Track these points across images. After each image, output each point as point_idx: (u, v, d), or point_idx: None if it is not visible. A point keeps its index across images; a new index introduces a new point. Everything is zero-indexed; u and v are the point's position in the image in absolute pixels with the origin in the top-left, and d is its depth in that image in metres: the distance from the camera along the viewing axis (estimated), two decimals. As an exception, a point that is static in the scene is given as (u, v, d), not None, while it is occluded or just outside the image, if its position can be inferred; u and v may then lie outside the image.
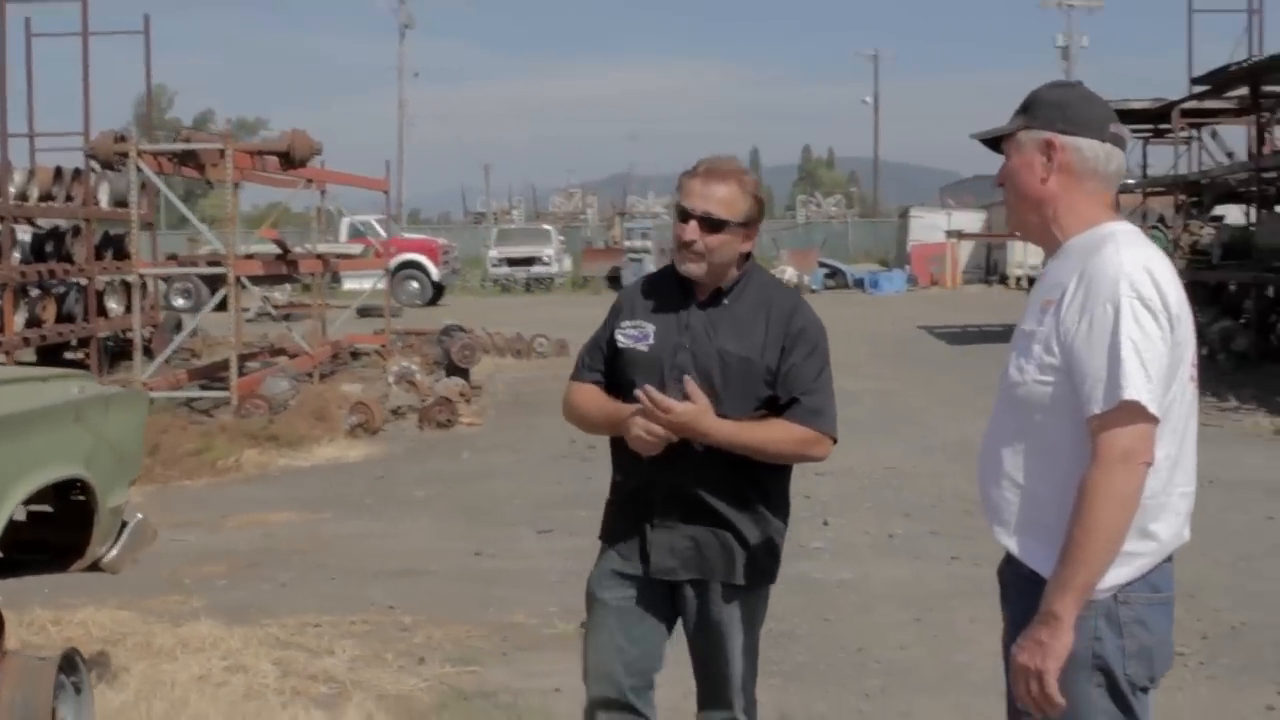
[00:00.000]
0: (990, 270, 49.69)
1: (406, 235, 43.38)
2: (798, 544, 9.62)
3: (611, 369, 4.37)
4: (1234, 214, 26.30)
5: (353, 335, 22.05)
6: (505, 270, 47.49)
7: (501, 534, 10.27)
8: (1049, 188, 3.29)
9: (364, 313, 23.78)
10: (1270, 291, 20.29)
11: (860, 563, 9.25)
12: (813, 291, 45.21)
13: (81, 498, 5.85)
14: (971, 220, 52.30)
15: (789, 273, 47.85)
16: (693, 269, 4.21)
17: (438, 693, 6.64)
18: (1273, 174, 20.72)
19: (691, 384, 4.04)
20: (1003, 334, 26.70)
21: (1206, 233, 23.76)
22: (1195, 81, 21.52)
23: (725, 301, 4.27)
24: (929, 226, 51.88)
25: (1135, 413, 3.03)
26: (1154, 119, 25.27)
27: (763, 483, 4.27)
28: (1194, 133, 24.90)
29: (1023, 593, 3.27)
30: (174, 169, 16.14)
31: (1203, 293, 22.48)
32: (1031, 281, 35.05)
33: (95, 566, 6.09)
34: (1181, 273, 19.73)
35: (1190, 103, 22.73)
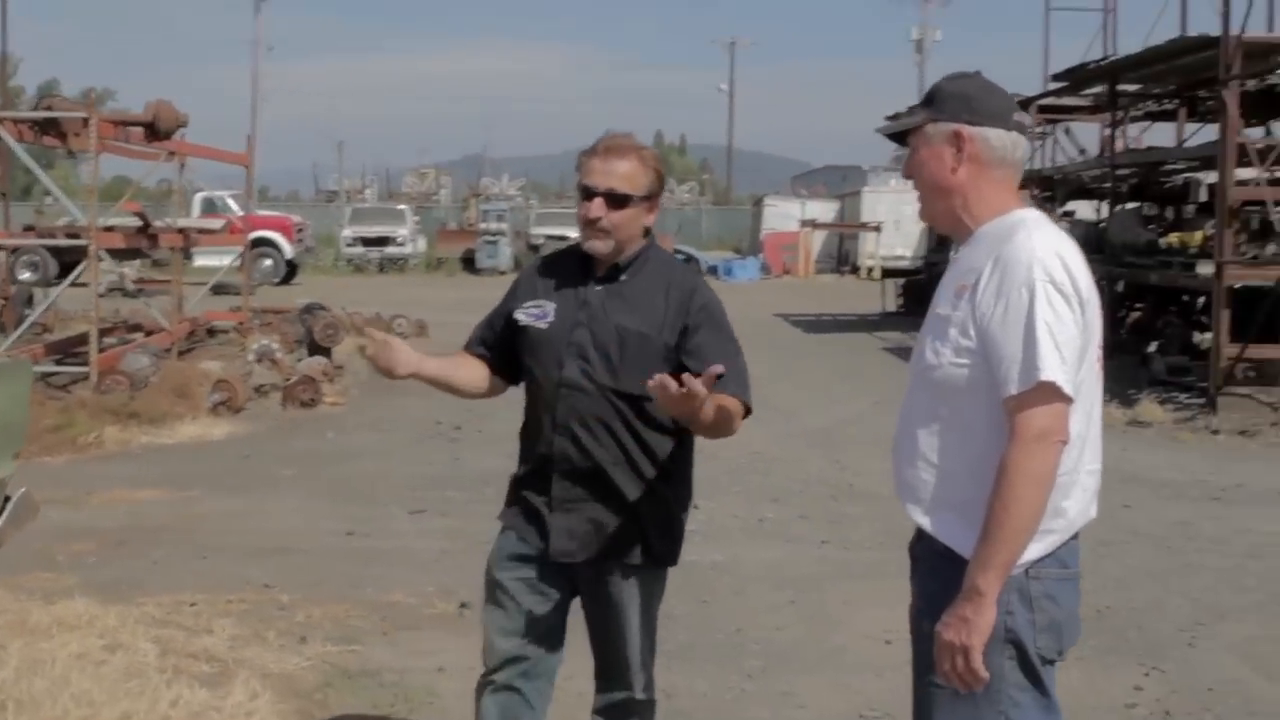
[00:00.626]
0: (842, 260, 50.32)
1: (260, 212, 42.69)
2: (669, 527, 9.76)
3: (510, 347, 4.39)
4: (1083, 209, 26.97)
5: (210, 312, 21.71)
6: (359, 250, 47.04)
7: (373, 514, 10.25)
8: (959, 178, 3.38)
9: (217, 290, 23.38)
10: (1120, 286, 20.83)
11: (732, 545, 9.38)
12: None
13: (-36, 471, 5.74)
14: (825, 210, 52.91)
15: (644, 257, 48.03)
16: (598, 246, 4.22)
17: (321, 671, 6.62)
18: (1125, 171, 21.27)
19: (696, 381, 3.79)
20: (856, 323, 27.27)
21: (1060, 227, 24.27)
22: (1055, 78, 21.95)
23: (623, 278, 4.28)
24: (783, 215, 52.40)
25: (1050, 393, 3.12)
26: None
27: (663, 463, 4.28)
28: (1050, 128, 25.47)
29: (935, 569, 3.36)
30: (34, 137, 15.73)
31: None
32: (885, 273, 35.71)
33: (-25, 542, 5.99)
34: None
35: (1048, 99, 23.26)
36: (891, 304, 29.19)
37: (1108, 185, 22.17)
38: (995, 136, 3.36)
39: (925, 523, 3.39)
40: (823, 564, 8.95)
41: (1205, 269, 15.57)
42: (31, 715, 5.67)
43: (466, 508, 10.04)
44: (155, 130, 15.69)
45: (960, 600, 3.18)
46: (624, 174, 4.19)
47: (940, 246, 30.11)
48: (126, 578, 8.26)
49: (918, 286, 29.69)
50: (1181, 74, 19.20)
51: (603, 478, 4.23)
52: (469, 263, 46.85)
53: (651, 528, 4.28)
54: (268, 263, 38.98)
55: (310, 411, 15.01)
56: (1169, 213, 22.33)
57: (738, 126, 79.37)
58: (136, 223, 18.41)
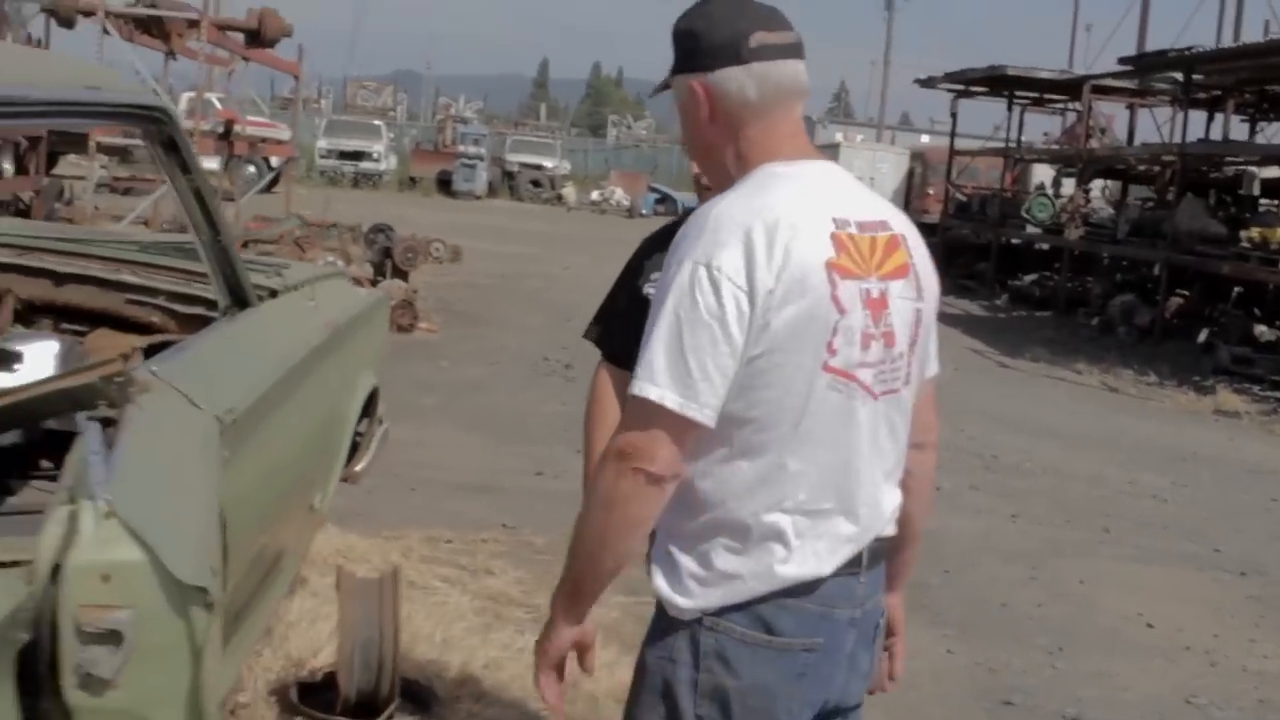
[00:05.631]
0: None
1: (251, 118, 41.84)
2: (854, 490, 9.79)
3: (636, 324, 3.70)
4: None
5: (251, 222, 21.34)
6: (333, 162, 46.39)
7: (545, 453, 10.17)
8: (715, 135, 2.71)
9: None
10: (1156, 269, 21.10)
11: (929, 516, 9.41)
12: (643, 215, 45.38)
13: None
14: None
15: (618, 194, 47.95)
16: None
17: (636, 621, 6.59)
18: (1170, 158, 21.53)
19: None
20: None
21: (1099, 206, 24.55)
22: (1123, 61, 22.11)
23: None
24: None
25: (647, 410, 2.46)
26: (1056, 89, 26.14)
27: None
28: (1098, 108, 25.75)
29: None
30: (129, 34, 15.36)
31: (1101, 268, 23.39)
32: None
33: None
34: (1078, 242, 20.19)
35: (1105, 80, 23.47)
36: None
37: (1142, 169, 22.42)
38: (730, 79, 2.64)
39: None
40: (1028, 539, 9.06)
41: (1291, 266, 15.83)
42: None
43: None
44: (260, 37, 15.37)
45: None
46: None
47: (960, 213, 30.21)
48: (355, 509, 8.13)
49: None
50: (1258, 71, 19.46)
51: None
52: (445, 184, 46.35)
53: None
54: (251, 170, 38.23)
55: (408, 337, 14.79)
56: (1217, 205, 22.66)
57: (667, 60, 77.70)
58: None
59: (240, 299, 3.96)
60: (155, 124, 3.52)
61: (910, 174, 46.53)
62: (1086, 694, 6.33)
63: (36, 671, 2.04)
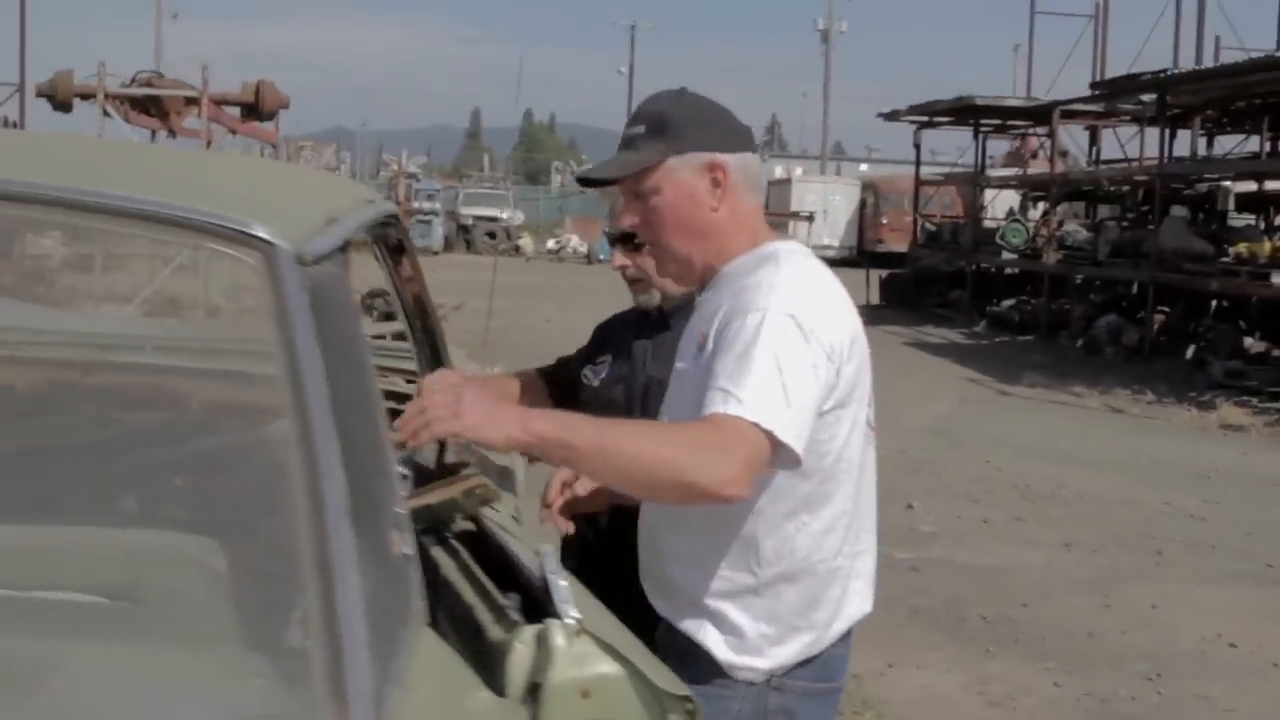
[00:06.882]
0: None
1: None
2: (907, 527, 9.90)
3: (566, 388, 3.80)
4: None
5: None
6: (289, 226, 46.22)
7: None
8: (720, 217, 2.78)
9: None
10: (1134, 289, 21.38)
11: (988, 549, 9.57)
12: (601, 261, 45.54)
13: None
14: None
15: (573, 241, 48.14)
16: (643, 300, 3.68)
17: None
18: (1143, 178, 21.88)
19: None
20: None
21: (1072, 229, 24.86)
22: (1094, 86, 22.53)
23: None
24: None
25: (756, 439, 2.45)
26: (1023, 115, 26.53)
27: None
28: (1068, 133, 26.14)
29: (682, 663, 2.62)
30: (125, 114, 15.37)
31: (1076, 289, 23.73)
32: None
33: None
34: (1057, 266, 20.44)
35: (1075, 104, 23.85)
36: (875, 297, 29.35)
37: (1112, 189, 22.79)
38: (750, 161, 2.83)
39: (666, 611, 2.83)
40: (1088, 567, 9.21)
41: (1282, 280, 16.15)
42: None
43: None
44: (257, 110, 15.41)
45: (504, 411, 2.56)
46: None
47: (931, 242, 30.46)
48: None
49: (898, 281, 29.90)
50: (1233, 90, 19.87)
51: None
52: (400, 242, 46.34)
53: None
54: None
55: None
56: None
57: (610, 105, 77.64)
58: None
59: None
60: (387, 228, 3.62)
61: (862, 205, 47.05)
62: (1197, 718, 6.47)
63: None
